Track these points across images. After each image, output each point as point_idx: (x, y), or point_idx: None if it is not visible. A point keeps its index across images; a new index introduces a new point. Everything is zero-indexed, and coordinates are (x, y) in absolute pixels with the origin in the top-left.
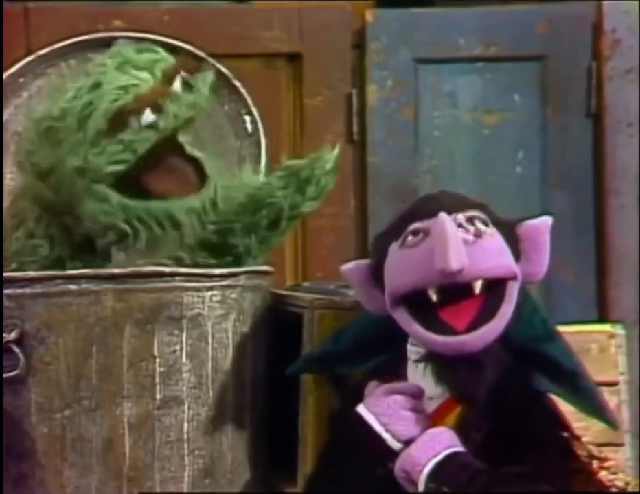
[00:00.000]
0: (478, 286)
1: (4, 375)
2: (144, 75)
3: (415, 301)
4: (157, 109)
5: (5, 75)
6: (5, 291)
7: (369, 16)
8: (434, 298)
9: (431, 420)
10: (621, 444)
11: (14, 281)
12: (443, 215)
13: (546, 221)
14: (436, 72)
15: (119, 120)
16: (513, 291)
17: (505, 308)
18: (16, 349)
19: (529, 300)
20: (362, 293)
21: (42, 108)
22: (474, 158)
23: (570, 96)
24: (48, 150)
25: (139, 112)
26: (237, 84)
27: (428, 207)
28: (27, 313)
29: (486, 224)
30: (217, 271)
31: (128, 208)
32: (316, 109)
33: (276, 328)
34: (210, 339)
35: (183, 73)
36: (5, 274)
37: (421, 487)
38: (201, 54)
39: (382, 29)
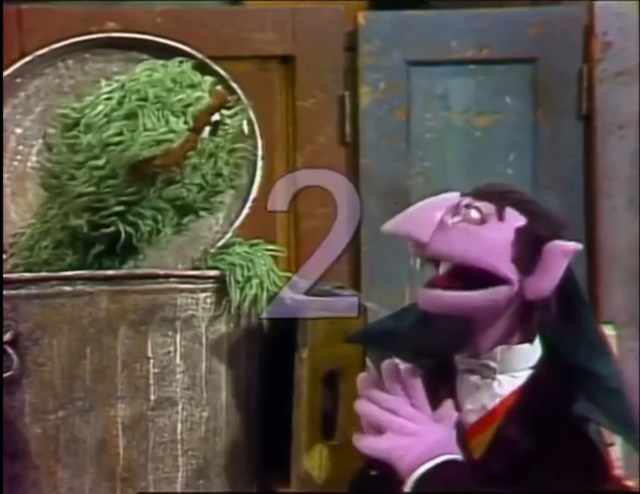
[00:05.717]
0: (444, 267)
1: None
2: (179, 125)
3: None
4: (179, 165)
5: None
6: None
7: (362, 18)
8: (417, 266)
9: (468, 433)
10: (612, 444)
11: (8, 282)
12: (447, 195)
13: (572, 247)
14: (428, 74)
15: (139, 166)
16: (495, 293)
17: (475, 293)
18: (10, 350)
19: (590, 316)
20: None
21: (69, 105)
22: (466, 159)
23: (561, 98)
24: (68, 155)
25: (163, 168)
26: (235, 85)
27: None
28: (21, 314)
29: (484, 218)
30: (211, 273)
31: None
32: (309, 111)
33: (270, 328)
34: (204, 341)
35: (213, 118)
36: None
37: (408, 486)
38: (199, 55)
39: (374, 32)
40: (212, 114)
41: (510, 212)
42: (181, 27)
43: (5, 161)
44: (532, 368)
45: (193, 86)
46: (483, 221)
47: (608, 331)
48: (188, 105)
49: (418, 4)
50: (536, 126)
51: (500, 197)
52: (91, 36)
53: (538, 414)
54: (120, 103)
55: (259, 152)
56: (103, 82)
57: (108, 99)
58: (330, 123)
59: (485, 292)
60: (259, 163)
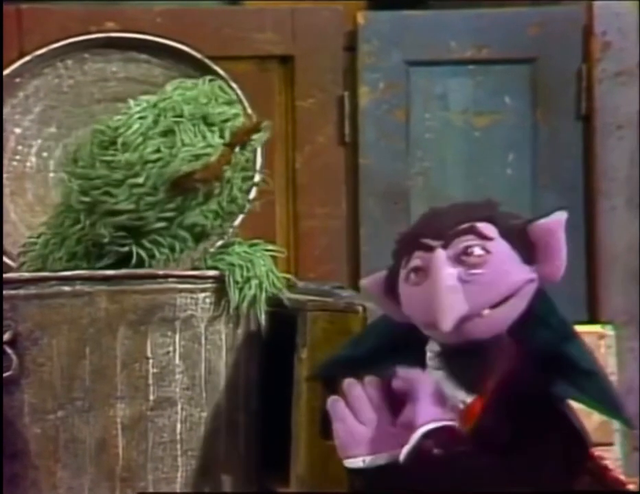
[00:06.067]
0: (485, 313)
1: None
2: (215, 139)
3: None
4: (218, 178)
5: None
6: None
7: (361, 18)
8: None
9: None
10: (611, 444)
11: (7, 282)
12: (439, 259)
13: (559, 219)
14: (427, 74)
15: (179, 182)
16: (525, 293)
17: (513, 301)
18: (9, 350)
19: (546, 300)
20: (381, 306)
21: (104, 122)
22: (465, 160)
23: (560, 98)
24: (101, 169)
25: (203, 181)
26: (235, 85)
27: (429, 233)
28: (21, 314)
29: (485, 249)
30: (210, 273)
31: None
32: (308, 111)
33: (269, 329)
34: (203, 341)
35: (245, 137)
36: None
37: (413, 439)
38: (198, 56)
39: (373, 31)
40: (248, 135)
41: (482, 227)
42: (181, 27)
43: (5, 161)
44: None
45: (229, 103)
46: (487, 251)
47: (607, 331)
48: (226, 120)
49: (417, 4)
50: (535, 126)
51: (461, 224)
52: (90, 36)
53: (516, 402)
54: (155, 121)
55: (258, 154)
56: (131, 102)
57: (142, 118)
58: (329, 123)
59: (520, 295)
60: (259, 163)
